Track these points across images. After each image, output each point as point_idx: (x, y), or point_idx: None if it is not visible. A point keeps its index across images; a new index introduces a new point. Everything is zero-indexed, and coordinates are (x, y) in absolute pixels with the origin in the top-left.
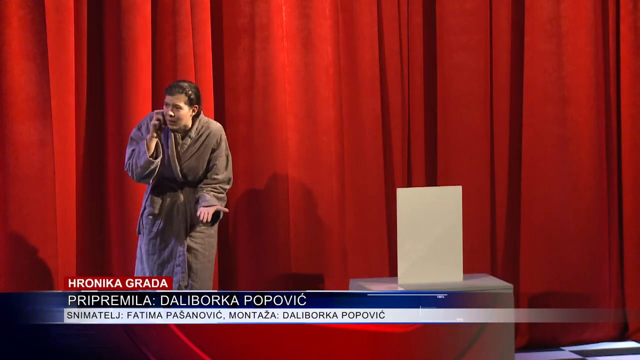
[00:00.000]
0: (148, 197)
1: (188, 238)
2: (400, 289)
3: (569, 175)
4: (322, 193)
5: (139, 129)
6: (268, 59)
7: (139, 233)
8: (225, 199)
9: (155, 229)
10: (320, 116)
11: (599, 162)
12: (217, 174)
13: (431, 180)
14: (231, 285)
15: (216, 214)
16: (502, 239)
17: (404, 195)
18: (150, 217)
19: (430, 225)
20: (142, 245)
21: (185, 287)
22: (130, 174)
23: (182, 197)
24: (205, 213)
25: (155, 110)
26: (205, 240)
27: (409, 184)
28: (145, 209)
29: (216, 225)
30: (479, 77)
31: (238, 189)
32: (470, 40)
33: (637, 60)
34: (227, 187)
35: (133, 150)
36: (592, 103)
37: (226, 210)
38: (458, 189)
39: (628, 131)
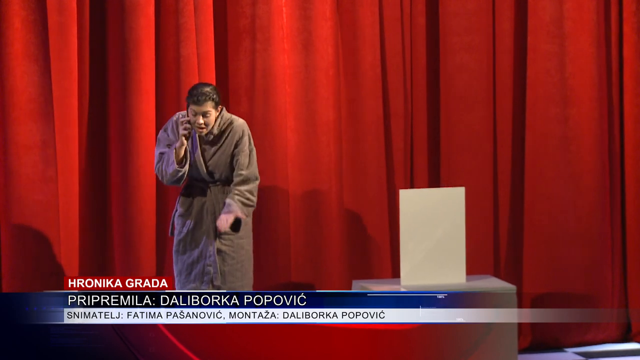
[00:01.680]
0: (179, 198)
1: (218, 240)
2: (402, 289)
3: (571, 176)
4: (321, 194)
5: (165, 130)
6: (268, 60)
7: (172, 234)
8: (253, 201)
9: (185, 230)
10: (319, 117)
11: (601, 163)
12: (241, 170)
13: (434, 181)
14: None
15: (237, 221)
16: (505, 240)
17: (406, 196)
18: (181, 217)
19: (433, 226)
20: (173, 246)
21: (218, 288)
22: (160, 178)
23: (211, 197)
24: (222, 221)
25: (180, 114)
26: (235, 243)
27: (411, 185)
28: (176, 210)
29: (249, 228)
30: (481, 77)
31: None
32: (473, 41)
33: (639, 61)
34: (254, 185)
35: (161, 154)
36: (594, 104)
37: (244, 216)
38: (461, 190)
39: (631, 132)
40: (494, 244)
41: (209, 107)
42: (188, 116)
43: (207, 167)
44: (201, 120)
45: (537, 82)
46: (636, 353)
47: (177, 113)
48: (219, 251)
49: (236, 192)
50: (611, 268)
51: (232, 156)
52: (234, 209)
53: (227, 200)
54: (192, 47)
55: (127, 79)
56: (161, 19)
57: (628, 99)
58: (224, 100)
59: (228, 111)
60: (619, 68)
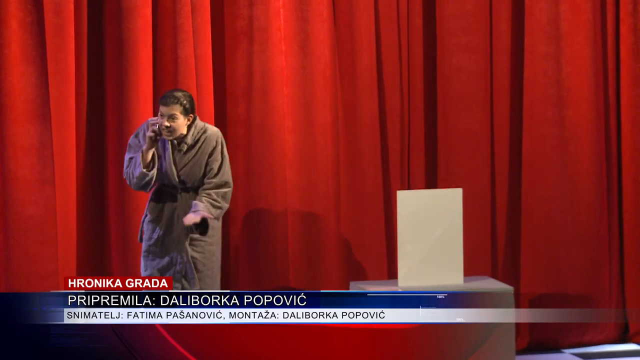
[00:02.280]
0: (149, 203)
1: (189, 247)
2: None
3: (569, 176)
4: (318, 195)
5: (137, 136)
6: (266, 61)
7: (141, 240)
8: (223, 206)
9: (155, 235)
10: (317, 119)
11: (598, 164)
12: (211, 178)
13: (431, 182)
14: (229, 285)
15: (205, 223)
16: (503, 241)
17: (404, 197)
18: (151, 223)
19: (430, 227)
20: (142, 252)
21: None
22: (128, 183)
23: (182, 203)
24: (188, 219)
25: (151, 119)
26: (206, 249)
27: (409, 186)
28: (146, 215)
29: (219, 234)
30: (479, 78)
31: (237, 190)
32: (470, 42)
33: (636, 62)
34: (225, 190)
35: (131, 159)
36: (591, 105)
37: (210, 216)
38: (458, 191)
39: (628, 133)
40: (492, 245)
41: (176, 110)
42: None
43: (179, 175)
44: (167, 123)
45: (534, 83)
46: (634, 354)
47: (149, 118)
48: (190, 258)
49: (204, 194)
50: (609, 269)
51: (206, 165)
52: (200, 208)
53: (194, 202)
54: (189, 49)
55: (125, 80)
56: (158, 20)
57: (625, 99)
58: (222, 101)
59: (226, 113)
60: (615, 69)
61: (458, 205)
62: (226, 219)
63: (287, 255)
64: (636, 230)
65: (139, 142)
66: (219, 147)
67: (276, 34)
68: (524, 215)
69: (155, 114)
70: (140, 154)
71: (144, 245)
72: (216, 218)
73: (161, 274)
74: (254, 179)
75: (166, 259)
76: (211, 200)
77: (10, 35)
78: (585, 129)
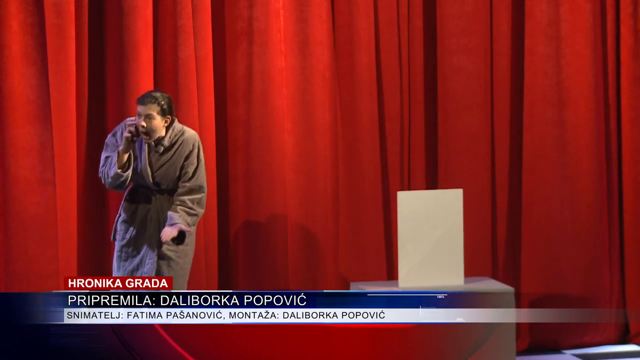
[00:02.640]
0: (123, 203)
1: (164, 246)
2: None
3: (569, 177)
4: (317, 196)
5: (114, 135)
6: (266, 62)
7: (113, 240)
8: (199, 212)
9: (128, 236)
10: (316, 120)
11: (598, 165)
12: (186, 182)
13: (432, 183)
14: (229, 286)
15: (181, 234)
16: (503, 242)
17: (404, 198)
18: (124, 223)
19: (430, 228)
20: (115, 252)
21: None
22: (102, 182)
23: (156, 205)
24: (166, 233)
25: (129, 119)
26: (180, 249)
27: (409, 187)
28: (120, 215)
29: (193, 235)
30: (479, 79)
31: (237, 191)
32: (470, 43)
33: (637, 63)
34: (199, 196)
35: (107, 158)
36: (591, 106)
37: (187, 229)
38: (459, 192)
39: (628, 134)
40: (492, 246)
41: (152, 110)
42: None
43: (154, 177)
44: (143, 123)
45: (534, 84)
46: (634, 355)
47: (127, 118)
48: (164, 256)
49: (178, 202)
50: (609, 269)
51: (181, 169)
52: (176, 221)
53: (170, 213)
54: (190, 50)
55: (125, 81)
56: (159, 21)
57: (625, 100)
58: (222, 102)
59: (226, 114)
60: (615, 70)
61: (458, 206)
62: (225, 219)
63: (286, 255)
64: (636, 231)
65: (116, 141)
66: (196, 150)
67: (276, 35)
68: (524, 215)
69: None
70: (117, 154)
71: (116, 246)
72: (192, 225)
73: (131, 274)
74: (253, 180)
75: (136, 259)
76: (186, 209)
77: (11, 36)
78: (586, 130)
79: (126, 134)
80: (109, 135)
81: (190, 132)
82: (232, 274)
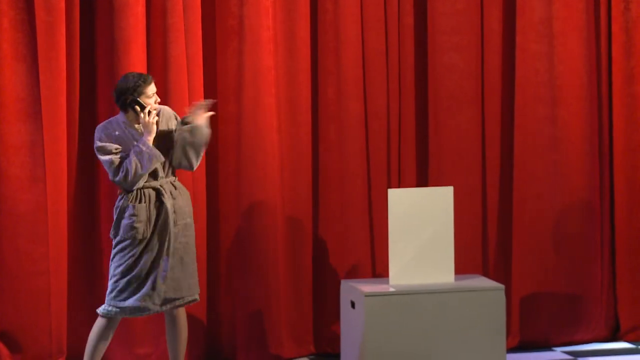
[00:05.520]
0: (132, 204)
1: (174, 236)
2: (391, 289)
3: (561, 175)
4: (301, 195)
5: (101, 140)
6: (257, 60)
7: (120, 237)
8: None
9: (142, 236)
10: (302, 117)
11: (590, 163)
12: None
13: (422, 180)
14: (219, 282)
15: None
16: (494, 240)
17: (395, 195)
18: (141, 223)
19: (421, 225)
20: (125, 255)
21: (168, 291)
22: (126, 182)
23: (166, 194)
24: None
25: (102, 125)
26: (190, 238)
27: (399, 184)
28: (133, 214)
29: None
30: (470, 77)
31: (227, 187)
32: (461, 40)
33: (628, 61)
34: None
35: (120, 159)
36: (584, 104)
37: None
38: (449, 190)
39: (620, 132)
40: (483, 244)
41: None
42: (142, 108)
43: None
44: (158, 99)
45: (526, 82)
46: (625, 352)
47: (106, 122)
48: (180, 242)
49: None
50: (600, 267)
51: (170, 133)
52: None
53: (187, 123)
54: (181, 47)
55: (117, 79)
56: (150, 19)
57: (617, 98)
58: (213, 99)
59: (217, 112)
60: (608, 67)
61: (449, 204)
62: (216, 215)
63: (276, 251)
64: (628, 230)
65: (113, 141)
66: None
67: (265, 33)
68: (515, 213)
69: None
70: (150, 146)
71: (132, 246)
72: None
73: (147, 270)
74: (244, 176)
75: (149, 255)
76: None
77: (2, 33)
78: (578, 128)
79: (155, 118)
80: (96, 143)
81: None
82: (221, 270)
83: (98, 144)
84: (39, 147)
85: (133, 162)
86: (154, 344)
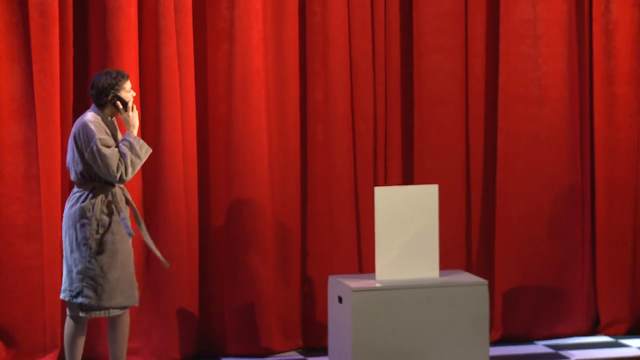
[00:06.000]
0: (108, 201)
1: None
2: (378, 284)
3: (543, 174)
4: (290, 194)
5: (97, 133)
6: (247, 61)
7: (132, 235)
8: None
9: (129, 229)
10: (289, 118)
11: (572, 162)
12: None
13: (408, 179)
14: (211, 278)
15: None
16: (477, 236)
17: (381, 193)
18: (125, 219)
19: (407, 223)
20: (119, 249)
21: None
22: (128, 173)
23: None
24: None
25: (89, 117)
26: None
27: (385, 182)
28: (114, 213)
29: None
30: (454, 78)
31: (218, 185)
32: (446, 43)
33: (609, 62)
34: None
35: (121, 152)
36: (566, 103)
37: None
38: (434, 188)
39: (601, 131)
40: (466, 240)
41: None
42: (124, 104)
43: None
44: (134, 94)
45: (509, 82)
46: (605, 345)
47: (85, 121)
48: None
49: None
50: (581, 263)
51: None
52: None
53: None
54: (172, 49)
55: None
56: (143, 21)
57: (597, 98)
58: (203, 101)
59: (207, 112)
60: (589, 68)
61: (434, 201)
62: (207, 213)
63: (266, 248)
64: (608, 226)
65: (110, 135)
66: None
67: (255, 35)
68: (497, 210)
69: (142, 113)
70: (133, 135)
71: (124, 242)
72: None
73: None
74: (234, 175)
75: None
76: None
77: None
78: (560, 128)
79: (136, 112)
80: (94, 136)
81: None
82: (213, 266)
83: (98, 137)
84: (33, 146)
85: (128, 156)
86: (145, 338)
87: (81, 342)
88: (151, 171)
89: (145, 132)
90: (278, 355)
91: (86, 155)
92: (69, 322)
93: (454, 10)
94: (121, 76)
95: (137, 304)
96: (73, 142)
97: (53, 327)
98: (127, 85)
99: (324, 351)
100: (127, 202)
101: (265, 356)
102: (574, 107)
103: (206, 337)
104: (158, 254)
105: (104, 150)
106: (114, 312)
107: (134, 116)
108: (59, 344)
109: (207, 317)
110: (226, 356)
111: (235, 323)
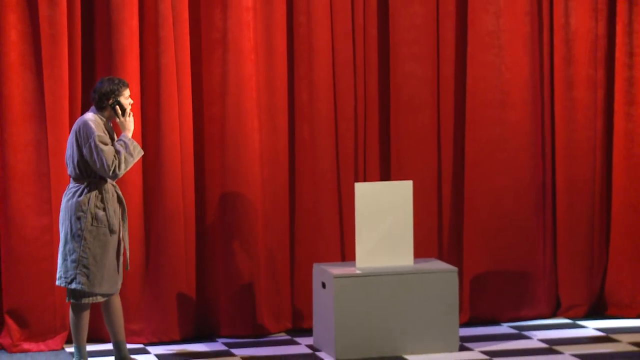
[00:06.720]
0: (101, 196)
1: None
2: (358, 271)
3: (508, 171)
4: (278, 190)
5: (101, 132)
6: (240, 68)
7: (114, 232)
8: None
9: (117, 222)
10: (278, 119)
11: (535, 161)
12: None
13: (385, 175)
14: (207, 273)
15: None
16: (448, 228)
17: (361, 189)
18: (115, 213)
19: (384, 215)
20: (109, 241)
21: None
22: (118, 170)
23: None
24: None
25: (90, 118)
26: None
27: (365, 179)
28: (105, 208)
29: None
30: (427, 84)
31: (213, 183)
32: (419, 51)
33: (568, 69)
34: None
35: (117, 150)
36: (529, 107)
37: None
38: (409, 184)
39: (561, 132)
40: (438, 231)
41: None
42: (122, 109)
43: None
44: (131, 101)
45: (476, 87)
46: (564, 326)
47: (85, 120)
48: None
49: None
50: (543, 253)
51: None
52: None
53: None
54: (171, 57)
55: None
56: (144, 31)
57: (558, 102)
58: (199, 103)
59: (203, 113)
60: (550, 75)
61: (409, 196)
62: (203, 207)
63: (257, 241)
64: (568, 220)
65: (108, 135)
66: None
67: (247, 44)
68: (466, 205)
69: (143, 115)
70: (129, 137)
71: (111, 238)
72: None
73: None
74: (228, 172)
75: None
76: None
77: (10, 45)
78: (523, 129)
79: (132, 117)
80: (93, 133)
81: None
82: (208, 255)
83: (97, 134)
84: (44, 146)
85: (122, 153)
86: (146, 321)
87: (84, 324)
88: (152, 168)
89: (145, 133)
90: (269, 336)
91: (84, 151)
92: (71, 307)
93: (426, 22)
94: (122, 84)
95: (117, 292)
96: (73, 139)
97: (62, 310)
98: (127, 92)
99: (309, 332)
100: (119, 199)
101: (258, 337)
102: (536, 110)
103: (203, 320)
104: (127, 254)
105: (101, 146)
106: (100, 299)
107: (129, 121)
108: (67, 325)
109: (203, 301)
110: (221, 337)
111: (229, 306)
